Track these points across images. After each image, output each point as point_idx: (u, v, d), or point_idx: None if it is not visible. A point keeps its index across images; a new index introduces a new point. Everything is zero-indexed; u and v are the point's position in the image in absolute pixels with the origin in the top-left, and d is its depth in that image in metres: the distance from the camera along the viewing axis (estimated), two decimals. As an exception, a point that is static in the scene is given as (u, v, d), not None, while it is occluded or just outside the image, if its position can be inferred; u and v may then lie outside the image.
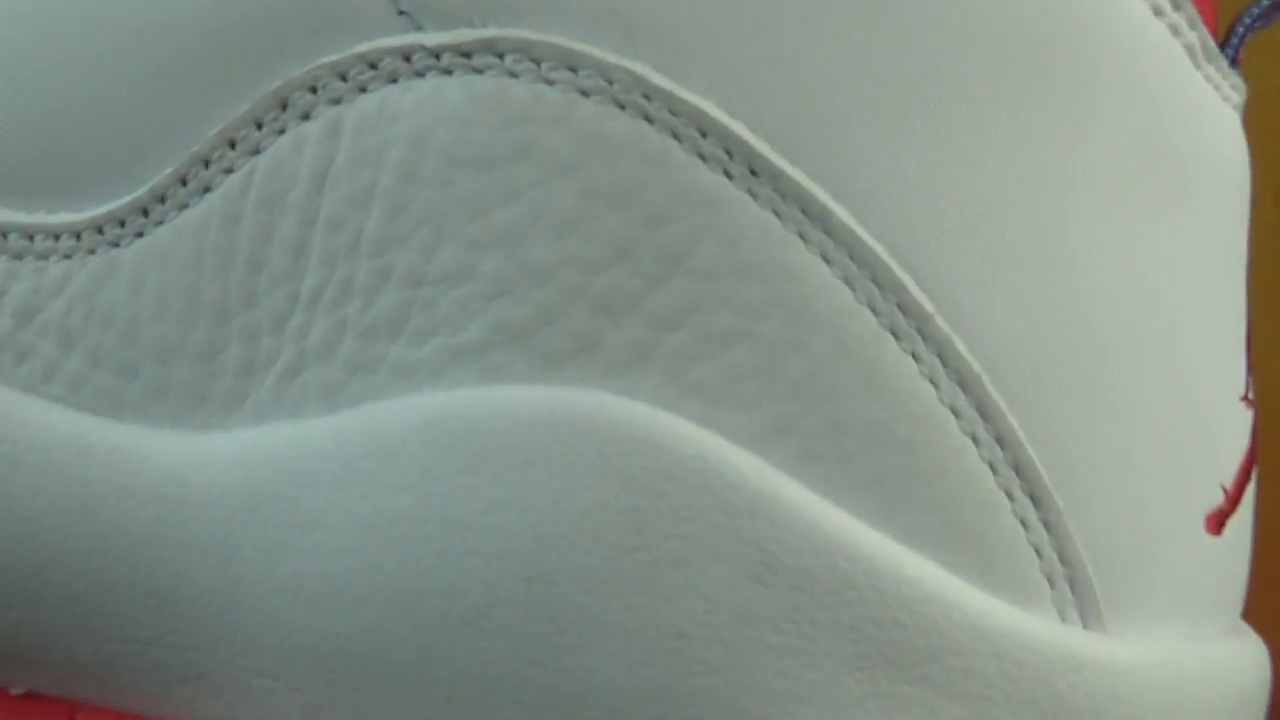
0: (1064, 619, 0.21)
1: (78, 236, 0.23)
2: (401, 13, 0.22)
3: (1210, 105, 0.23)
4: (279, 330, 0.22)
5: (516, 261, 0.21)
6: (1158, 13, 0.22)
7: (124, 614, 0.23)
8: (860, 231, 0.21)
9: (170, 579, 0.23)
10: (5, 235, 0.23)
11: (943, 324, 0.21)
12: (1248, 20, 0.23)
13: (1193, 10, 0.22)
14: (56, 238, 0.23)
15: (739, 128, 0.21)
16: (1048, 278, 0.21)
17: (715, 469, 0.21)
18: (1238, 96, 0.23)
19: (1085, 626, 0.21)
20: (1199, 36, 0.22)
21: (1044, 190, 0.21)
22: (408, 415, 0.22)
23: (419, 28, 0.22)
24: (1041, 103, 0.21)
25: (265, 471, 0.22)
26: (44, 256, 0.23)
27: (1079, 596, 0.21)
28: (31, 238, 0.23)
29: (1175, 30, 0.22)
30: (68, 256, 0.23)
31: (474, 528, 0.21)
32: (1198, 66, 0.22)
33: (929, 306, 0.21)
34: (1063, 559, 0.21)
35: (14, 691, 0.25)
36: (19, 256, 0.23)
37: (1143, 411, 0.22)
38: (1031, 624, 0.21)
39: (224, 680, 0.23)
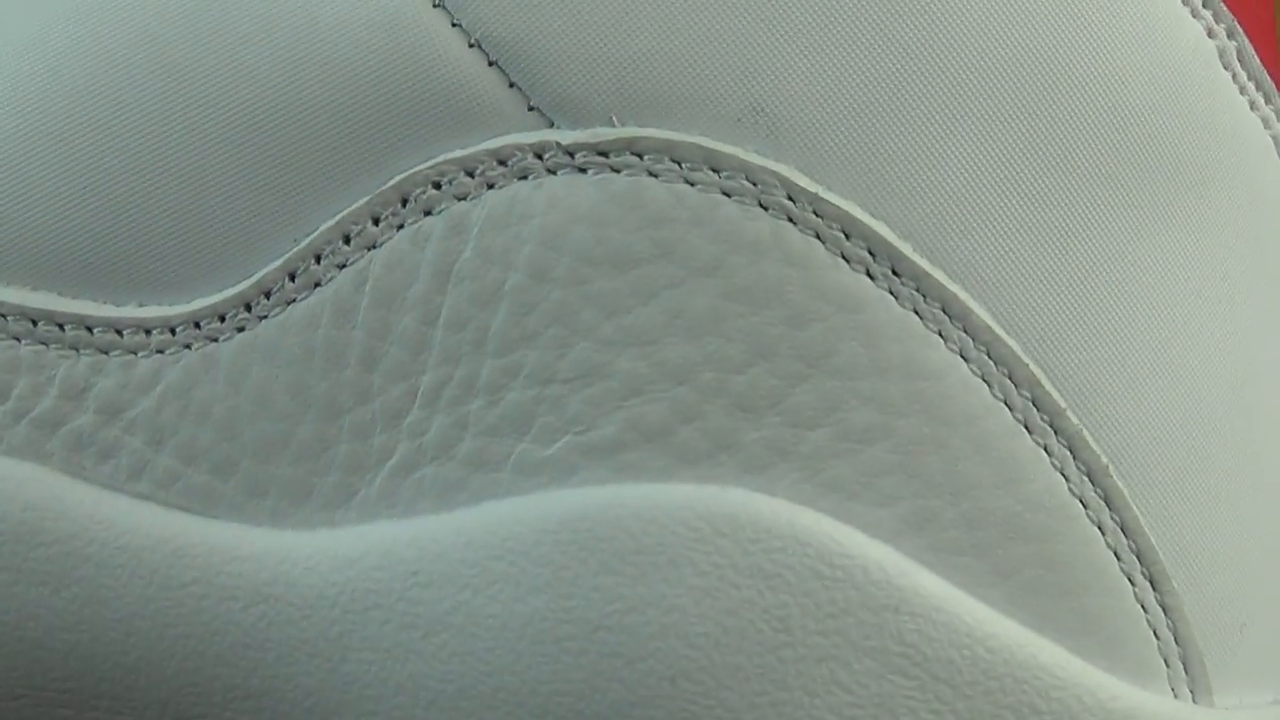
0: (1177, 695, 0.22)
1: (172, 331, 0.23)
2: (532, 108, 0.22)
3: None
4: (394, 426, 0.22)
5: (653, 361, 0.21)
6: (1254, 107, 0.23)
7: (217, 716, 0.23)
8: (998, 329, 0.21)
9: (272, 682, 0.22)
10: (91, 330, 0.23)
11: (1073, 418, 0.22)
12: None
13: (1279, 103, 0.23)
14: (148, 332, 0.23)
15: (882, 229, 0.21)
16: (1162, 372, 0.22)
17: (859, 564, 0.21)
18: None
19: (1195, 701, 0.22)
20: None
21: (1162, 287, 0.22)
22: (539, 515, 0.22)
23: (551, 124, 0.22)
24: (1166, 203, 0.22)
25: (382, 572, 0.22)
26: (133, 351, 0.23)
27: (1191, 674, 0.22)
28: (120, 332, 0.23)
29: (1267, 123, 0.23)
30: (160, 351, 0.23)
31: (614, 628, 0.21)
32: None
33: (1061, 401, 0.22)
34: (1178, 639, 0.22)
35: None
36: (105, 351, 0.23)
37: (1247, 495, 0.23)
38: (1154, 703, 0.22)
39: None
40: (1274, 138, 0.23)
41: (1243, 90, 0.23)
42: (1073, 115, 0.22)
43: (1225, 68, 0.22)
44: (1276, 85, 0.23)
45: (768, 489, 0.21)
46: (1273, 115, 0.23)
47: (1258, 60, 0.23)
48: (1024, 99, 0.22)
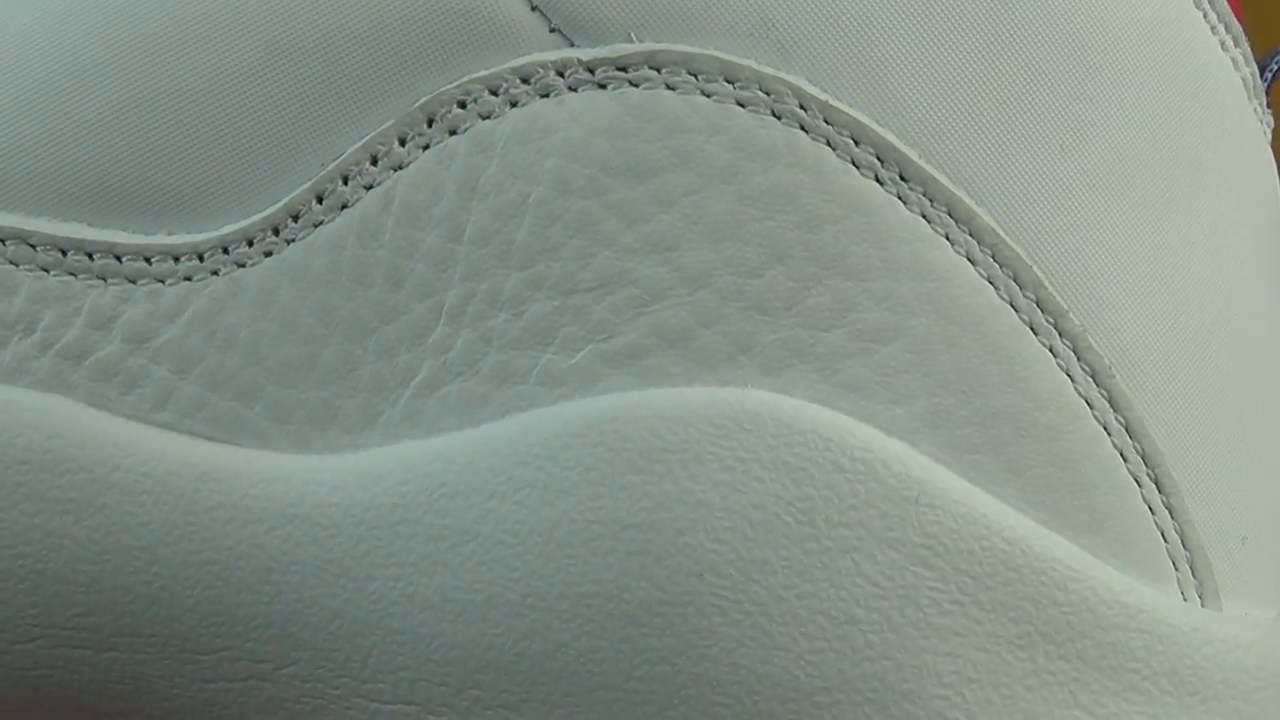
0: (1186, 599, 0.23)
1: (200, 257, 0.23)
2: (553, 29, 0.23)
3: (1257, 137, 0.25)
4: (419, 345, 0.23)
5: (673, 266, 0.22)
6: (1224, 47, 0.24)
7: (238, 647, 0.23)
8: (1002, 233, 0.22)
9: (296, 607, 0.23)
10: (119, 258, 0.23)
11: (1076, 319, 0.22)
12: (1277, 63, 0.26)
13: (1247, 47, 0.24)
14: (176, 259, 0.23)
15: (890, 136, 0.22)
16: (1159, 280, 0.23)
17: (878, 458, 0.22)
18: (1268, 131, 0.25)
19: (1204, 606, 0.23)
20: (1251, 72, 0.25)
21: (1154, 200, 0.23)
22: (564, 420, 0.22)
23: (570, 44, 0.22)
24: (1152, 122, 0.23)
25: (408, 488, 0.22)
26: (161, 279, 0.23)
27: (1199, 579, 0.23)
28: (149, 260, 0.23)
29: (1235, 65, 0.24)
30: (188, 278, 0.23)
31: (642, 525, 0.22)
32: (1249, 99, 0.24)
33: (1064, 304, 0.22)
34: (1185, 543, 0.23)
35: None
36: (133, 280, 0.23)
37: (1247, 404, 0.23)
38: (1167, 601, 0.22)
39: (344, 713, 0.23)
40: (1243, 80, 0.24)
41: (1213, 29, 0.24)
42: (1060, 38, 0.23)
43: (1196, 7, 0.24)
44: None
45: (787, 390, 0.22)
46: (1240, 58, 0.24)
47: (1225, 3, 0.24)
48: (1016, 21, 0.23)
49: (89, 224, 0.23)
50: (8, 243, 0.23)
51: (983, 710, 0.22)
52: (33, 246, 0.23)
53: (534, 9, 0.23)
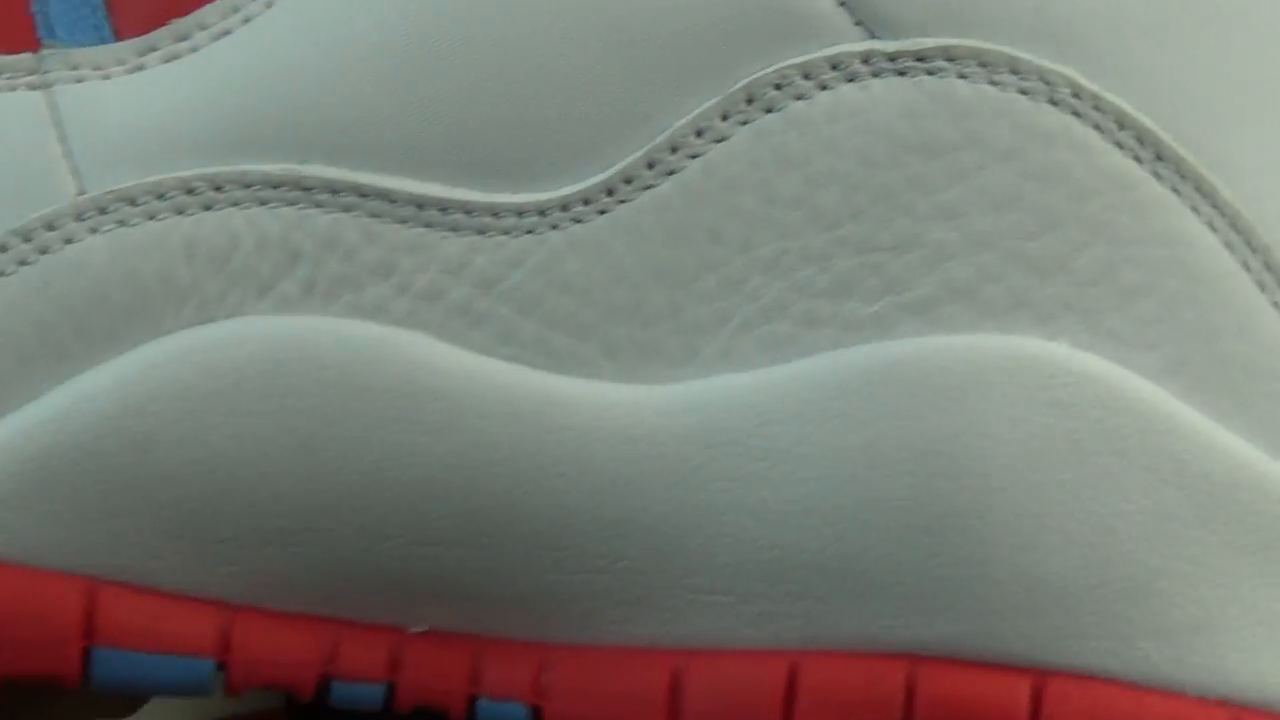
0: None
1: (541, 214, 0.26)
2: (858, 23, 0.26)
3: None
4: (735, 292, 0.26)
5: (962, 232, 0.26)
6: None
7: (578, 546, 0.26)
8: (1239, 206, 0.26)
9: (631, 511, 0.26)
10: (470, 213, 0.27)
11: None
12: None
13: None
14: (520, 215, 0.27)
15: (1147, 121, 0.26)
16: None
17: (1136, 396, 0.26)
18: None
19: None
20: None
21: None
22: (869, 361, 0.26)
23: (873, 36, 0.26)
24: None
25: (730, 414, 0.26)
26: (506, 232, 0.27)
27: None
28: (496, 215, 0.27)
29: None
30: (530, 232, 0.27)
31: (939, 452, 0.26)
32: None
33: None
34: None
35: (413, 630, 0.27)
36: (482, 232, 0.27)
37: None
38: None
39: (666, 600, 0.27)
40: None
41: None
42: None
43: None
44: None
45: (1057, 337, 0.26)
46: None
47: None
48: (1250, 23, 0.26)
49: (442, 183, 0.27)
50: (370, 199, 0.27)
51: (1217, 606, 0.26)
52: (392, 202, 0.27)
53: (841, 4, 0.26)
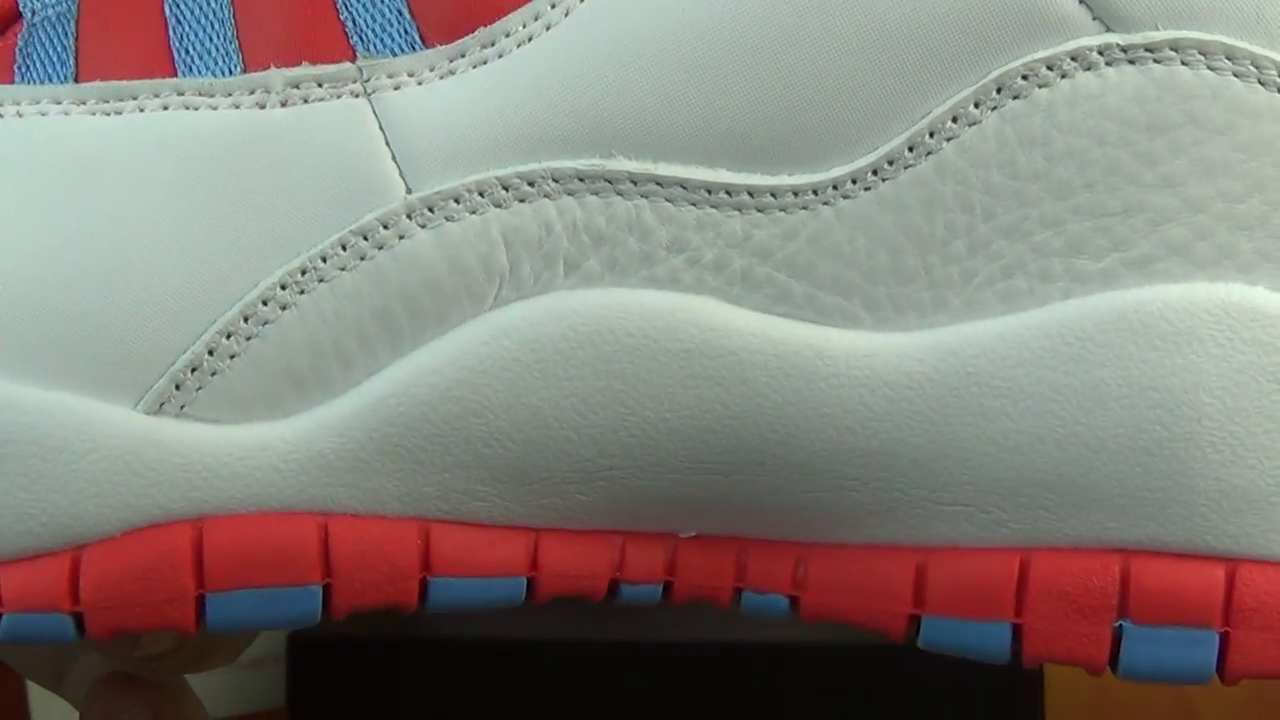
0: None
1: (814, 193, 0.30)
2: (1095, 19, 0.30)
3: None
4: (979, 253, 0.30)
5: (1180, 197, 0.30)
6: None
7: (837, 470, 0.31)
8: None
9: (886, 441, 0.31)
10: (752, 194, 0.30)
11: None
12: None
13: None
14: (796, 194, 0.30)
15: None
16: None
17: (1324, 332, 0.31)
18: None
19: None
20: None
21: None
22: (1097, 311, 0.30)
23: (1108, 29, 0.30)
24: None
25: (977, 360, 0.30)
26: (783, 209, 0.30)
27: None
28: (774, 195, 0.30)
29: None
30: (804, 208, 0.30)
31: (1158, 388, 0.30)
32: None
33: None
34: None
35: (684, 535, 0.32)
36: (763, 210, 0.30)
37: None
38: None
39: (911, 510, 0.31)
40: None
41: None
42: None
43: None
44: None
45: (1257, 283, 0.30)
46: None
47: None
48: None
49: (729, 169, 0.30)
50: (666, 186, 0.30)
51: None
52: (686, 188, 0.30)
53: (1081, 3, 0.29)
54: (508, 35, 0.30)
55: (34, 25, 0.31)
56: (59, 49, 0.31)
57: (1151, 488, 0.31)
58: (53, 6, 0.32)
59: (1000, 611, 0.31)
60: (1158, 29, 0.30)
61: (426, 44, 0.30)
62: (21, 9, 0.32)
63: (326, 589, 0.30)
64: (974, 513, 0.31)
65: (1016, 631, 0.31)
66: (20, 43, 0.31)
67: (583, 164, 0.30)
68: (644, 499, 0.31)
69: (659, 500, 0.31)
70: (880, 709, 0.48)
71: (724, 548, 0.32)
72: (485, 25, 0.30)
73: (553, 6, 0.30)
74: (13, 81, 0.31)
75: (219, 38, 0.30)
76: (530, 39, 0.30)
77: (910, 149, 0.30)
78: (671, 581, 0.32)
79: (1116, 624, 0.31)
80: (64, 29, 0.31)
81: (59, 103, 0.30)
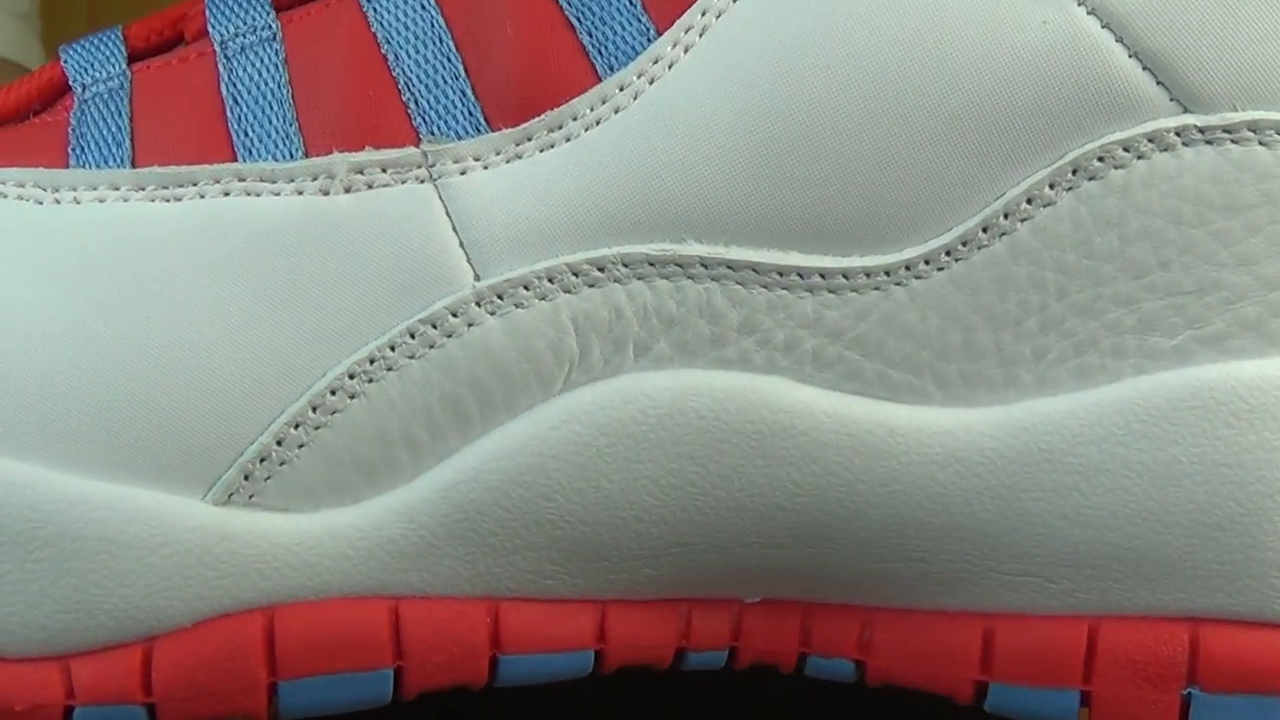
0: None
1: (887, 273, 0.30)
2: (1173, 99, 0.29)
3: None
4: (1052, 331, 0.30)
5: (1255, 275, 0.30)
6: None
7: (905, 543, 0.31)
8: None
9: (956, 516, 0.31)
10: (823, 276, 0.30)
11: None
12: None
13: None
14: (868, 275, 0.30)
15: None
16: None
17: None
18: None
19: None
20: None
21: None
22: (1171, 388, 0.30)
23: (1184, 109, 0.29)
24: None
25: (1050, 437, 0.30)
26: (855, 290, 0.30)
27: None
28: (846, 276, 0.30)
29: None
30: (876, 289, 0.30)
31: (1231, 464, 0.30)
32: None
33: None
34: None
35: (749, 600, 0.32)
36: (834, 291, 0.30)
37: None
38: None
39: (980, 580, 0.31)
40: None
41: None
42: None
43: None
44: None
45: (1330, 358, 0.30)
46: None
47: None
48: None
49: (801, 252, 0.30)
50: (738, 270, 0.29)
51: None
52: (758, 272, 0.30)
53: (1159, 83, 0.29)
54: (575, 119, 0.29)
55: (86, 101, 0.31)
56: (114, 130, 0.30)
57: (1222, 560, 0.31)
58: (104, 82, 0.31)
59: (1069, 679, 0.31)
60: (1235, 110, 0.29)
61: (491, 126, 0.29)
62: (72, 83, 0.31)
63: (398, 671, 0.30)
64: (1042, 583, 0.31)
65: (1084, 698, 0.31)
66: (73, 121, 0.31)
67: (654, 249, 0.29)
68: (711, 571, 0.31)
69: (726, 571, 0.31)
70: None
71: (789, 613, 0.32)
72: (550, 107, 0.29)
73: (621, 89, 0.29)
74: (68, 164, 0.30)
75: (278, 119, 0.30)
76: (598, 123, 0.29)
77: (984, 230, 0.30)
78: (736, 647, 0.32)
79: (1185, 692, 0.31)
80: (118, 107, 0.31)
81: (117, 188, 0.30)
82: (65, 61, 0.31)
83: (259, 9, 0.31)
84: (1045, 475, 0.30)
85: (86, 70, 0.31)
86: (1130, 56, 0.29)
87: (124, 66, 0.31)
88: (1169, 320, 0.30)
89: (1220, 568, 0.31)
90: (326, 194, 0.29)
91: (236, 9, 0.31)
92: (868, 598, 0.32)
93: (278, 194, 0.29)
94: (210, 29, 0.31)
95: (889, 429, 0.30)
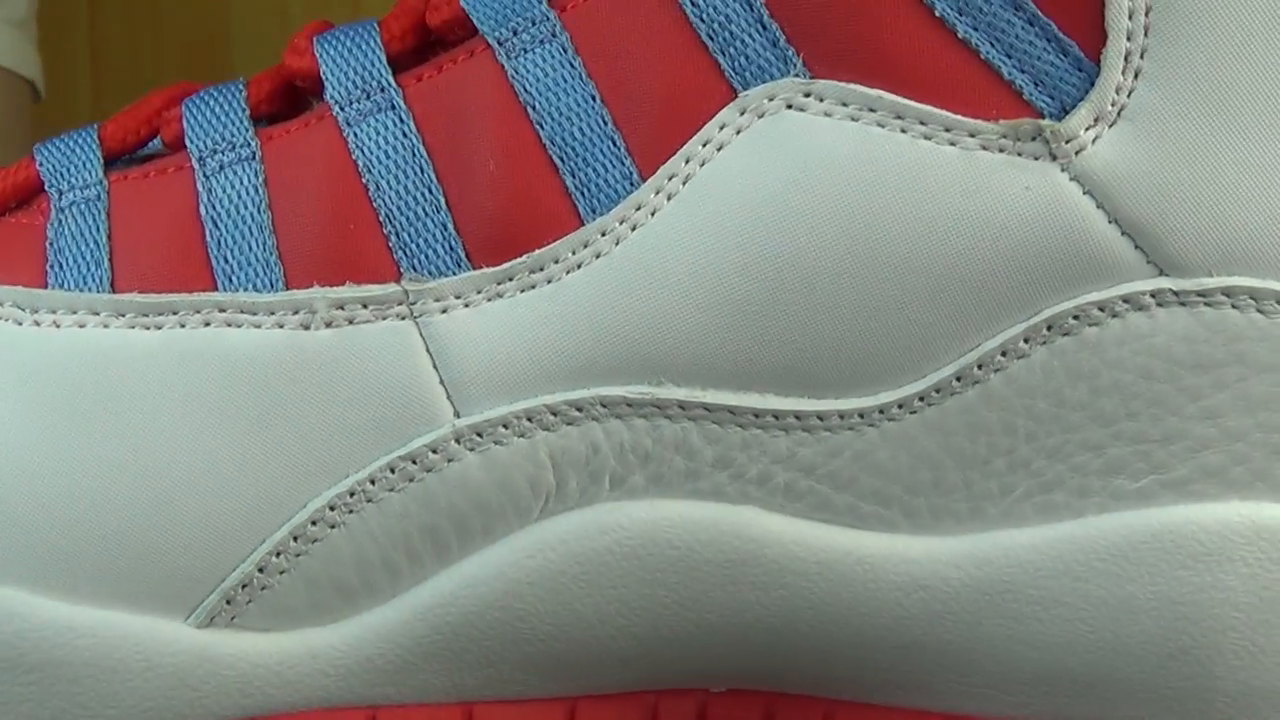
0: None
1: (860, 415, 0.30)
2: (1149, 263, 0.29)
3: None
4: (1019, 471, 0.31)
5: (1220, 428, 0.30)
6: None
7: (868, 656, 0.32)
8: None
9: (920, 638, 0.31)
10: (799, 417, 0.30)
11: None
12: None
13: None
14: (842, 417, 0.30)
15: None
16: None
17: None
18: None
19: None
20: None
21: None
22: (1131, 529, 0.31)
23: (1161, 272, 0.29)
24: None
25: (1012, 569, 0.31)
26: (830, 429, 0.30)
27: None
28: (822, 418, 0.30)
29: None
30: (849, 429, 0.30)
31: (1187, 603, 0.31)
32: None
33: None
34: None
35: (715, 690, 0.33)
36: (809, 430, 0.30)
37: None
38: None
39: (940, 689, 0.32)
40: None
41: None
42: None
43: None
44: None
45: (1284, 503, 0.31)
46: None
47: None
48: None
49: (777, 395, 0.30)
50: (715, 412, 0.30)
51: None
52: (733, 413, 0.30)
53: (1137, 248, 0.29)
54: (557, 262, 0.30)
55: (63, 210, 0.31)
56: (92, 247, 0.30)
57: (1174, 685, 0.32)
58: (80, 189, 0.31)
59: (1024, 779, 0.32)
60: (1211, 274, 0.29)
61: (472, 262, 0.30)
62: (48, 188, 0.31)
63: (375, 772, 0.31)
64: (999, 695, 0.32)
65: (1035, 797, 0.33)
66: (50, 232, 0.31)
67: (632, 392, 0.30)
68: (679, 670, 0.32)
69: (693, 670, 0.32)
70: None
71: (754, 702, 0.33)
72: (532, 246, 0.30)
73: (603, 234, 0.30)
74: (46, 279, 0.30)
75: (258, 246, 0.30)
76: (580, 266, 0.30)
77: (958, 378, 0.30)
78: (701, 734, 0.33)
79: (1129, 799, 0.32)
80: (95, 221, 0.31)
81: (97, 313, 0.30)
82: (41, 164, 0.31)
83: (237, 124, 0.31)
84: (1007, 604, 0.31)
85: (63, 175, 0.31)
86: (1110, 222, 0.29)
87: (100, 174, 0.31)
88: (1134, 465, 0.31)
89: (1171, 691, 0.32)
90: (308, 328, 0.30)
91: (215, 121, 0.31)
92: (831, 691, 0.33)
93: (258, 326, 0.30)
94: (188, 142, 0.31)
95: (857, 557, 0.31)
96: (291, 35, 0.32)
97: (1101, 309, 0.30)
